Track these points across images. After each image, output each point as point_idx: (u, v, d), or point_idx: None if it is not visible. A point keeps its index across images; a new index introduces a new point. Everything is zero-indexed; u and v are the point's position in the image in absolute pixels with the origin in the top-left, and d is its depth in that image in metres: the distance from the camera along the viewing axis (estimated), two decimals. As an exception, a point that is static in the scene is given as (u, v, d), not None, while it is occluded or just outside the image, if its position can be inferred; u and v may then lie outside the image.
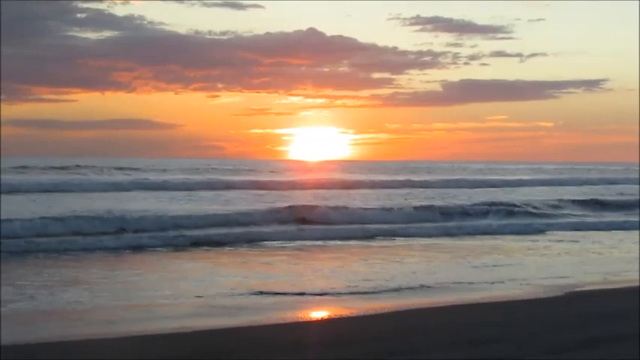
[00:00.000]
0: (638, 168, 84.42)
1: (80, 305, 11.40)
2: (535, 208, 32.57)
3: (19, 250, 17.89)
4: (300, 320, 10.77)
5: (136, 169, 58.20)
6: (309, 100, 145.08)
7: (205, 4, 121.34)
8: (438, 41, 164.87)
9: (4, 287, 12.65)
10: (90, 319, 10.55)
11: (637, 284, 13.90)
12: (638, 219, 28.65)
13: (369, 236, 22.82)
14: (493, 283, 14.10)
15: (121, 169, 56.77)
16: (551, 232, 25.58)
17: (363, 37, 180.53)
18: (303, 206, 28.00)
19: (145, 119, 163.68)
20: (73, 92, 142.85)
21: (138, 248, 19.11)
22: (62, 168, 54.23)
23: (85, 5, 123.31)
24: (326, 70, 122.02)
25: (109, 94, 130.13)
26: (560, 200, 36.11)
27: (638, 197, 38.11)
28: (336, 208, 28.13)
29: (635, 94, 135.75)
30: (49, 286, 12.97)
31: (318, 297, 12.49)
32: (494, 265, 16.65)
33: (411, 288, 13.26)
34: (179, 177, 48.61)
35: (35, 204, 27.95)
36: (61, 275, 14.35)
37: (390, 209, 29.23)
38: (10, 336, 9.17)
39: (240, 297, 12.21)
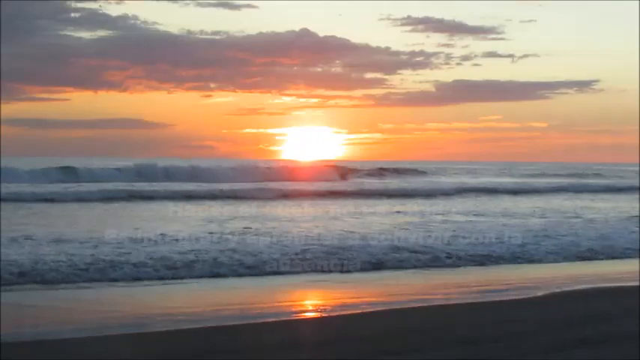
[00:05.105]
0: (636, 169, 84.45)
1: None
2: None
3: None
4: (292, 319, 10.78)
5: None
6: (302, 100, 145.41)
7: (200, 4, 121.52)
8: (429, 42, 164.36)
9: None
10: (90, 316, 10.61)
11: (628, 284, 13.98)
12: None
13: None
14: None
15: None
16: None
17: (356, 37, 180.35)
18: None
19: (138, 118, 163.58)
20: (66, 91, 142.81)
21: None
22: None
23: (79, 5, 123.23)
24: (319, 70, 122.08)
25: (101, 93, 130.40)
26: None
27: None
28: None
29: (625, 94, 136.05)
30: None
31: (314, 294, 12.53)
32: None
33: None
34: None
35: None
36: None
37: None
38: (10, 334, 9.22)
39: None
